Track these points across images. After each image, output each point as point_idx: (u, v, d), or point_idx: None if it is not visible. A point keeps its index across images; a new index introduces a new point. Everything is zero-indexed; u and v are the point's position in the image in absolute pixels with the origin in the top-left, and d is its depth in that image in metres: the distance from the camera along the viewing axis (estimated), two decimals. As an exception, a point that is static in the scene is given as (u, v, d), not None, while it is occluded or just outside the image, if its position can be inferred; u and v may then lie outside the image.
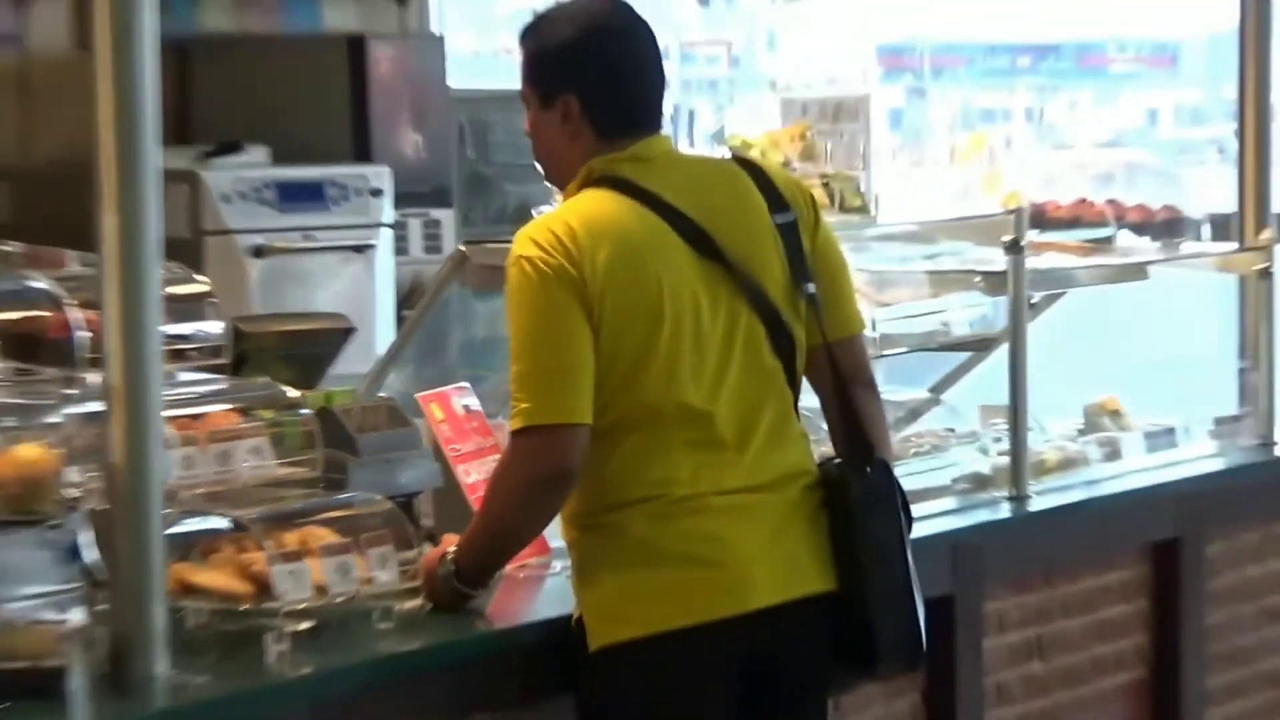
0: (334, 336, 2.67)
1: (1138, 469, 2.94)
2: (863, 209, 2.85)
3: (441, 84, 5.26)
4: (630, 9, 1.72)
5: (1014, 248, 2.62)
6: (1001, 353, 2.83)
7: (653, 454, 1.58)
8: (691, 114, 15.23)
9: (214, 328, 1.93)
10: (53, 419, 1.63)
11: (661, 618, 1.54)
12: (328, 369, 2.59)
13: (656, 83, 1.73)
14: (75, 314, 1.72)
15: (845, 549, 1.62)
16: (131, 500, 1.40)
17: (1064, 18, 17.87)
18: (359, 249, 4.73)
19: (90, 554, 1.57)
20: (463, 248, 2.80)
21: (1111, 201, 3.44)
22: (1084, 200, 3.44)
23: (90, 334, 1.64)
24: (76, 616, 1.48)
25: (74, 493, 1.53)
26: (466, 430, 1.99)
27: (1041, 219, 3.20)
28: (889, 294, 2.79)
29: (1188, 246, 3.44)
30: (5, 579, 1.55)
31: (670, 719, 1.60)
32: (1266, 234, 3.27)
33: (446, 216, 5.08)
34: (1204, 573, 2.96)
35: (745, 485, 1.60)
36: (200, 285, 1.99)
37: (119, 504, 1.41)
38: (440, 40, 5.60)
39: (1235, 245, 3.35)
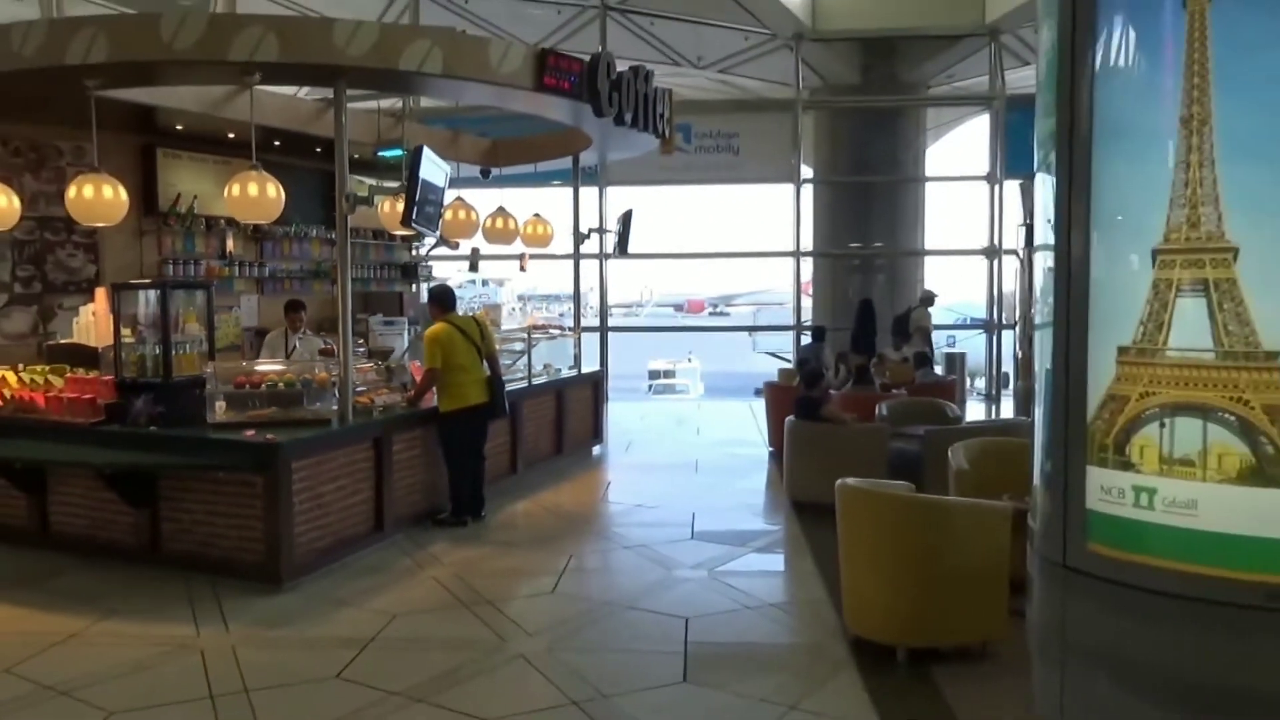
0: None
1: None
2: (495, 325, 9.15)
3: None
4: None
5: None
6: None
7: (457, 377, 7.50)
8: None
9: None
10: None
11: (457, 404, 7.54)
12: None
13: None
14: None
15: (494, 390, 7.70)
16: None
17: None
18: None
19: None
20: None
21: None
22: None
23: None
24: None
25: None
26: (418, 368, 8.07)
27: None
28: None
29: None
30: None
31: (459, 435, 7.59)
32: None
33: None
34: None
35: (476, 381, 7.59)
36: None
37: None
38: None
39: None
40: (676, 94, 15.23)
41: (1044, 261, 3.19)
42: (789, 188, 15.59)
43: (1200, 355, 2.70)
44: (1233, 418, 2.63)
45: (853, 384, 10.36)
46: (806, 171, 16.36)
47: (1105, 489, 2.94)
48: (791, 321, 16.07)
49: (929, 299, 14.03)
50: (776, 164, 15.67)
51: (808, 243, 16.02)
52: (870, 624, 4.91)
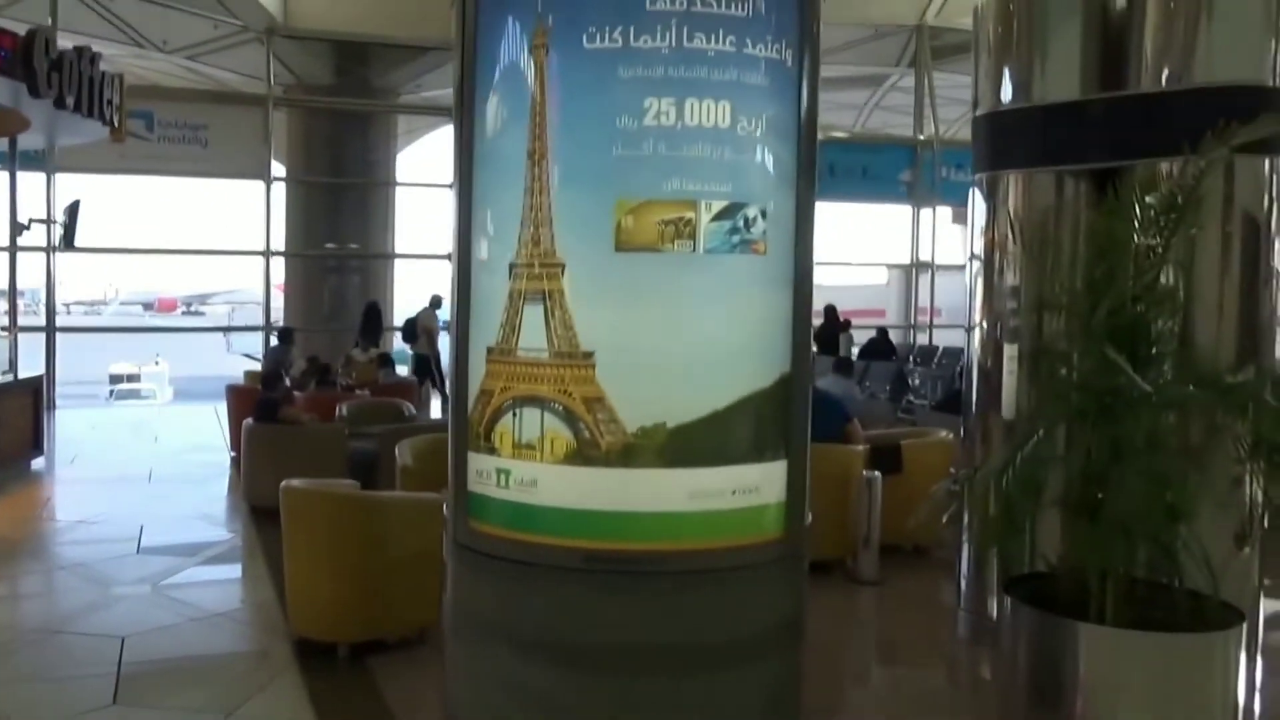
0: None
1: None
2: None
3: None
4: None
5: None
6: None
7: None
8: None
9: None
10: None
11: None
12: None
13: None
14: None
15: None
16: None
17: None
18: None
19: None
20: None
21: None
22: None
23: None
24: None
25: None
26: None
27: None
28: None
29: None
30: None
31: None
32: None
33: None
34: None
35: None
36: None
37: None
38: None
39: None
40: (139, 78, 14.32)
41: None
42: (260, 185, 15.25)
43: (539, 354, 3.17)
44: (560, 407, 3.13)
45: (316, 385, 10.47)
46: (280, 169, 16.12)
47: (479, 472, 3.34)
48: (262, 322, 15.72)
49: (437, 302, 14.35)
50: (247, 159, 15.23)
51: (279, 242, 15.77)
52: (314, 624, 5.01)
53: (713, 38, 3.11)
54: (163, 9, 14.38)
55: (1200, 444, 3.64)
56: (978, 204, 5.21)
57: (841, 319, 15.23)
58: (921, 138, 18.12)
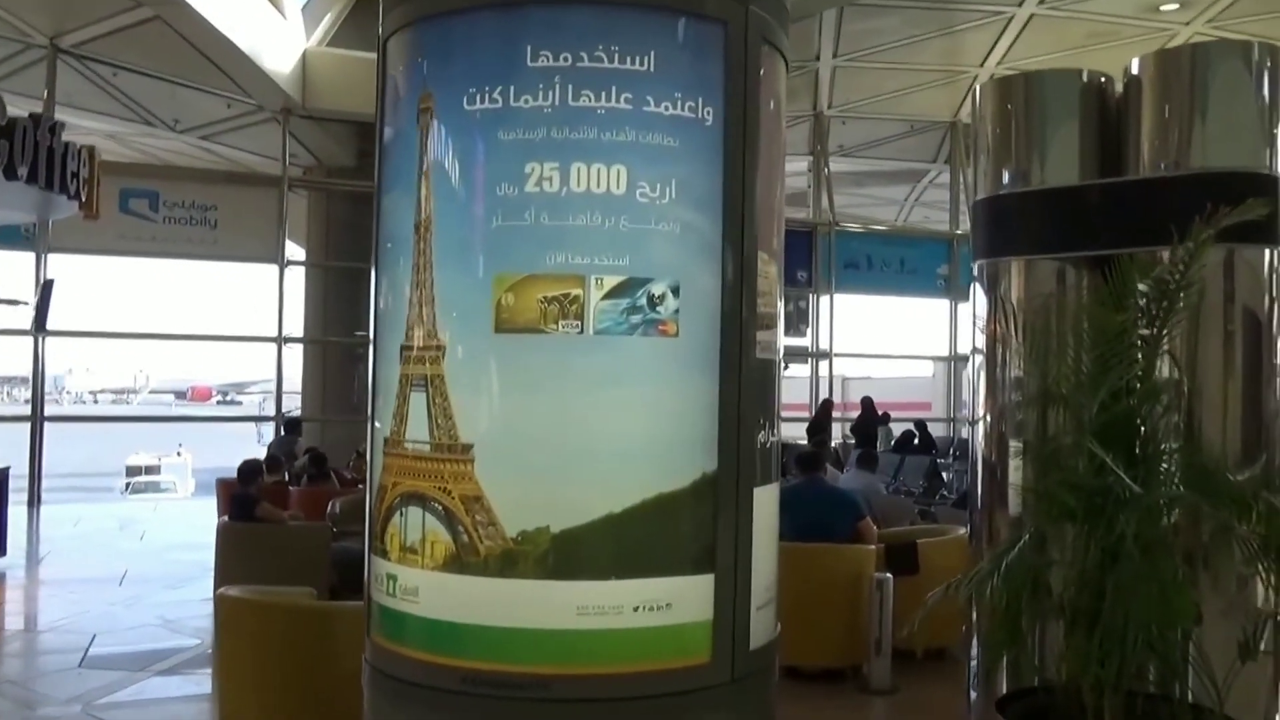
0: None
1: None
2: None
3: None
4: None
5: None
6: None
7: None
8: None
9: None
10: None
11: None
12: None
13: None
14: None
15: None
16: None
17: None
18: None
19: None
20: None
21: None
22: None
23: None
24: None
25: None
26: None
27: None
28: None
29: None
30: None
31: None
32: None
33: None
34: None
35: None
36: None
37: None
38: None
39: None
40: (152, 156, 14.50)
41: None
42: (274, 269, 15.39)
43: (421, 446, 2.95)
44: (440, 507, 2.90)
45: (308, 479, 10.31)
46: (298, 252, 16.28)
47: (376, 577, 3.15)
48: (273, 411, 15.75)
49: None
50: (260, 242, 15.39)
51: (295, 328, 15.87)
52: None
53: (603, 95, 2.94)
54: (172, 86, 14.68)
55: (1207, 546, 3.53)
56: (978, 293, 5.16)
57: (880, 412, 14.87)
58: (959, 232, 18.30)
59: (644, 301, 2.94)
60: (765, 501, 3.31)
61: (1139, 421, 3.49)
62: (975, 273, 5.10)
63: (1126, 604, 3.11)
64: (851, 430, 15.47)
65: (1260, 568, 3.35)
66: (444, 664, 2.91)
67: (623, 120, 2.94)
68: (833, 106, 17.93)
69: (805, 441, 12.01)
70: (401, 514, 3.04)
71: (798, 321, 17.36)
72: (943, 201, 19.60)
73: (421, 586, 2.97)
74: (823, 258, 17.60)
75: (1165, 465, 3.45)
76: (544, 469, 2.86)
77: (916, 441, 14.22)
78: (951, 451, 13.62)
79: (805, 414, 16.82)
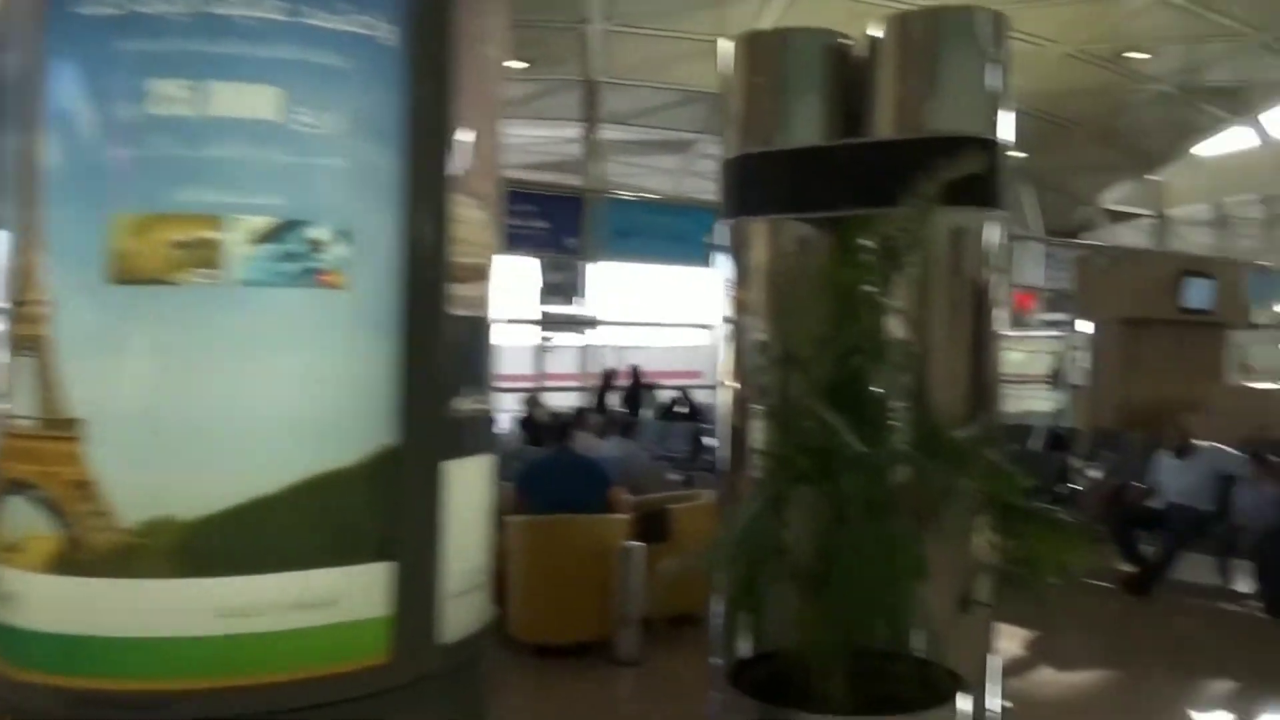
0: None
1: None
2: None
3: None
4: None
5: None
6: None
7: None
8: None
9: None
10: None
11: None
12: None
13: None
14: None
15: None
16: None
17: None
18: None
19: None
20: None
21: None
22: None
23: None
24: None
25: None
26: None
27: None
28: None
29: None
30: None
31: None
32: None
33: None
34: None
35: None
36: None
37: None
38: None
39: None
40: None
41: None
42: None
43: (29, 424, 2.45)
44: (43, 494, 2.40)
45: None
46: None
47: None
48: None
49: None
50: None
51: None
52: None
53: (252, 3, 2.47)
54: None
55: (935, 504, 3.48)
56: (725, 257, 5.08)
57: (646, 379, 14.87)
58: (724, 200, 18.34)
59: (302, 248, 2.52)
60: (469, 477, 2.95)
61: (866, 381, 3.46)
62: (722, 235, 5.00)
63: (853, 563, 3.13)
64: (624, 400, 15.38)
65: (981, 521, 3.42)
66: (51, 685, 2.39)
67: (276, 33, 2.49)
68: (604, 73, 17.64)
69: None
70: (4, 503, 2.50)
71: (568, 290, 17.05)
72: (714, 171, 19.71)
73: (24, 591, 2.44)
74: (593, 225, 17.33)
75: (893, 424, 3.44)
76: (174, 448, 2.39)
77: (685, 410, 14.24)
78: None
79: (576, 383, 16.65)
